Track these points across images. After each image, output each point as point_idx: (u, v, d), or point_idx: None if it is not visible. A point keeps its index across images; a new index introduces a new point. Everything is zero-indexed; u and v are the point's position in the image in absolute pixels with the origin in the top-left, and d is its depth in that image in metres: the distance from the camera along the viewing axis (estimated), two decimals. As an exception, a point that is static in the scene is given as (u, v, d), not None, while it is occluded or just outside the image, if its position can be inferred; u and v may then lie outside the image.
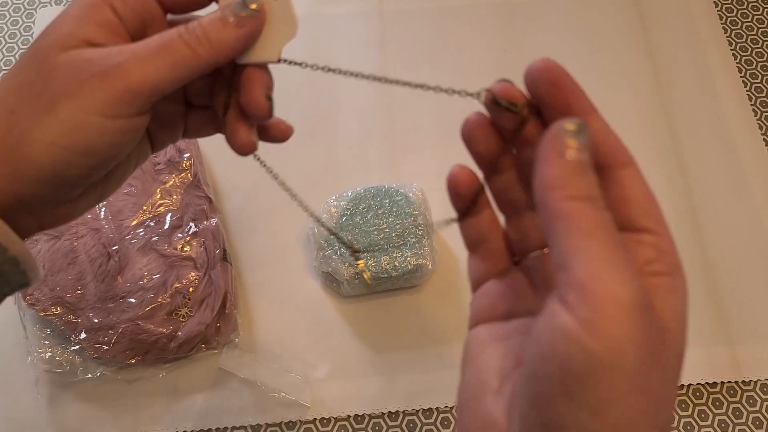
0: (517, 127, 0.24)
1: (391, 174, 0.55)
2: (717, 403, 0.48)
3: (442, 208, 0.52)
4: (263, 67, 0.28)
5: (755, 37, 0.62)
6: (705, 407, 0.48)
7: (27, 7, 0.63)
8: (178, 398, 0.48)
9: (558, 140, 0.21)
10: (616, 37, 0.61)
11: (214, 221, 0.49)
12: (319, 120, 0.58)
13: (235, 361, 0.48)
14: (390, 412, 0.48)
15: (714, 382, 0.48)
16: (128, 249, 0.47)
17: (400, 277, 0.48)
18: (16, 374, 0.48)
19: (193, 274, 0.47)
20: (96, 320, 0.45)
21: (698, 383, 0.48)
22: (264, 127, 0.32)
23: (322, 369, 0.49)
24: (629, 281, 0.19)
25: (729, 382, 0.49)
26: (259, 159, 0.32)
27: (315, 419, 0.47)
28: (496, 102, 0.24)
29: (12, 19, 0.62)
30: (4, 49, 0.61)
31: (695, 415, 0.48)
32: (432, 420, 0.48)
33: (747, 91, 0.59)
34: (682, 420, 0.48)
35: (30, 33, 0.62)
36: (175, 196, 0.49)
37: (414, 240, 0.48)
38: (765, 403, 0.48)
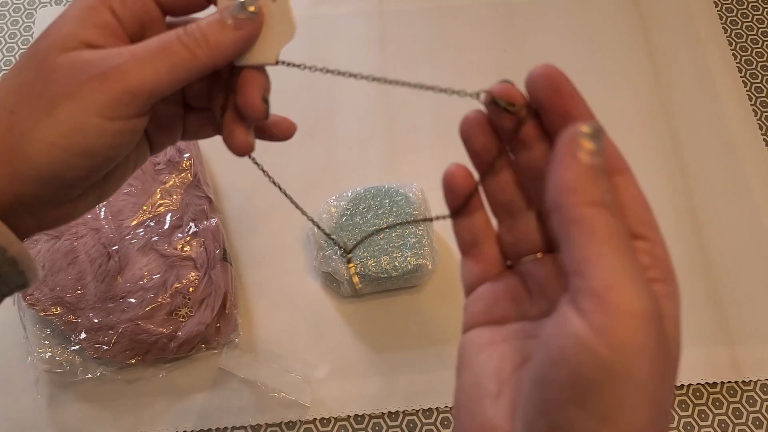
0: (515, 128, 0.25)
1: (391, 174, 0.55)
2: (717, 403, 0.48)
3: (442, 208, 0.51)
4: (260, 69, 0.28)
5: (755, 37, 0.62)
6: (705, 407, 0.48)
7: (27, 7, 0.63)
8: (178, 398, 0.48)
9: (574, 143, 0.21)
10: (616, 37, 0.61)
11: (214, 221, 0.49)
12: (318, 120, 0.58)
13: (235, 361, 0.48)
14: (390, 412, 0.48)
15: (714, 382, 0.48)
16: (128, 249, 0.47)
17: (400, 277, 0.48)
18: (16, 374, 0.48)
19: (193, 274, 0.47)
20: (96, 320, 0.45)
21: (698, 383, 0.48)
22: (267, 125, 0.32)
23: (322, 369, 0.49)
24: (645, 292, 0.19)
25: (729, 382, 0.49)
26: (255, 161, 0.32)
27: (315, 419, 0.47)
28: (494, 102, 0.24)
29: (12, 19, 0.62)
30: (4, 49, 0.61)
31: (695, 415, 0.48)
32: (432, 420, 0.48)
33: (747, 91, 0.59)
34: (682, 420, 0.48)
35: (30, 33, 0.62)
36: (175, 196, 0.49)
37: (414, 240, 0.48)
38: (765, 403, 0.48)
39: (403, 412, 0.48)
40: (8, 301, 0.46)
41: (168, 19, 0.29)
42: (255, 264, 0.52)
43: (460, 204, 0.27)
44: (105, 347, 0.45)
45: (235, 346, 0.49)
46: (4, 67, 0.61)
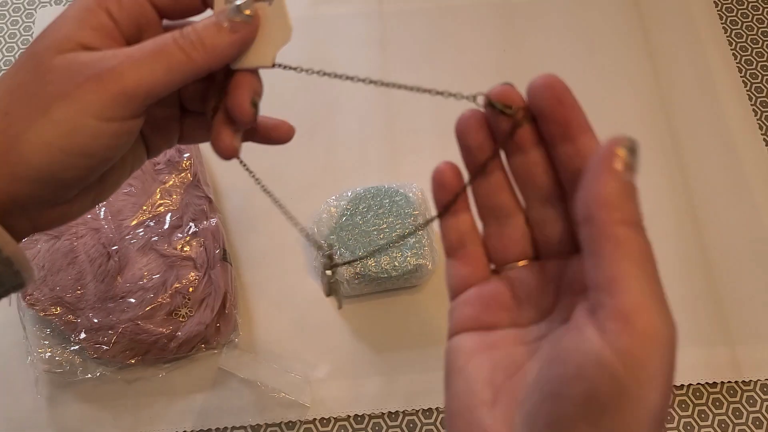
0: (510, 130, 0.25)
1: (391, 174, 0.55)
2: (717, 403, 0.48)
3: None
4: (254, 72, 0.28)
5: (755, 37, 0.62)
6: (705, 407, 0.48)
7: (27, 7, 0.63)
8: (178, 398, 0.48)
9: (613, 156, 0.21)
10: (616, 37, 0.61)
11: (213, 221, 0.49)
12: (318, 120, 0.58)
13: (235, 361, 0.48)
14: (390, 412, 0.48)
15: (714, 382, 0.48)
16: (128, 249, 0.47)
17: (400, 277, 0.48)
18: (16, 374, 0.48)
19: (192, 274, 0.47)
20: (96, 320, 0.45)
21: (698, 383, 0.48)
22: (265, 129, 0.32)
23: (322, 369, 0.49)
24: (669, 318, 0.19)
25: (729, 382, 0.49)
26: (244, 165, 0.32)
27: (315, 419, 0.47)
28: (491, 104, 0.24)
29: (12, 19, 0.63)
30: (3, 49, 0.61)
31: (695, 415, 0.48)
32: (432, 420, 0.48)
33: (747, 91, 0.59)
34: (682, 420, 0.48)
35: (30, 33, 0.62)
36: (174, 196, 0.49)
37: (414, 240, 0.48)
38: (765, 403, 0.48)
39: (403, 412, 0.48)
40: (8, 301, 0.46)
41: (165, 22, 0.29)
42: (255, 264, 0.52)
43: (448, 201, 0.27)
44: (105, 347, 0.45)
45: (235, 346, 0.49)
46: (3, 67, 0.61)
